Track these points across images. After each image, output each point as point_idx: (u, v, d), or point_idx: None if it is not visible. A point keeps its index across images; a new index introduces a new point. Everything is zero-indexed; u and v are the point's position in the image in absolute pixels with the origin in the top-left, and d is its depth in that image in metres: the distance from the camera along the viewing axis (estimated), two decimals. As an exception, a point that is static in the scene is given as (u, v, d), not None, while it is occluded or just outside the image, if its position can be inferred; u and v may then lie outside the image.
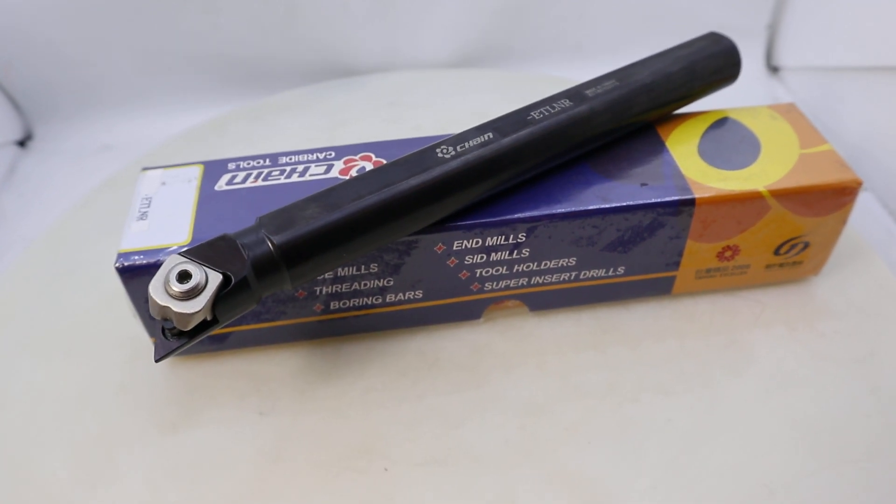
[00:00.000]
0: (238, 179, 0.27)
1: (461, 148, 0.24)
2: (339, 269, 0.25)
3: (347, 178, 0.26)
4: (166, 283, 0.20)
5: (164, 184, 0.27)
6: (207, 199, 0.26)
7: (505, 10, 0.45)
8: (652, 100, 0.27)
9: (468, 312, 0.28)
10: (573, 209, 0.25)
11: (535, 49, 0.46)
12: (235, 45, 0.44)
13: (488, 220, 0.25)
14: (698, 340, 0.28)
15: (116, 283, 0.29)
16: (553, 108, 0.25)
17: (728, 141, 0.28)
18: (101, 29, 0.42)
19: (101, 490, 0.24)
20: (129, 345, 0.28)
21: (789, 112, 0.29)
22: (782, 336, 0.28)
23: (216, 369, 0.27)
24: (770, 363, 0.27)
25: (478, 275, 0.27)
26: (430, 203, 0.23)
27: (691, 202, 0.25)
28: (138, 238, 0.25)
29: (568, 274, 0.27)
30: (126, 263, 0.24)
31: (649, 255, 0.27)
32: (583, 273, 0.27)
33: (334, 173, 0.27)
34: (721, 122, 0.29)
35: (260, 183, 0.27)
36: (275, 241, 0.21)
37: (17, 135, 0.45)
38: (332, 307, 0.27)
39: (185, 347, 0.21)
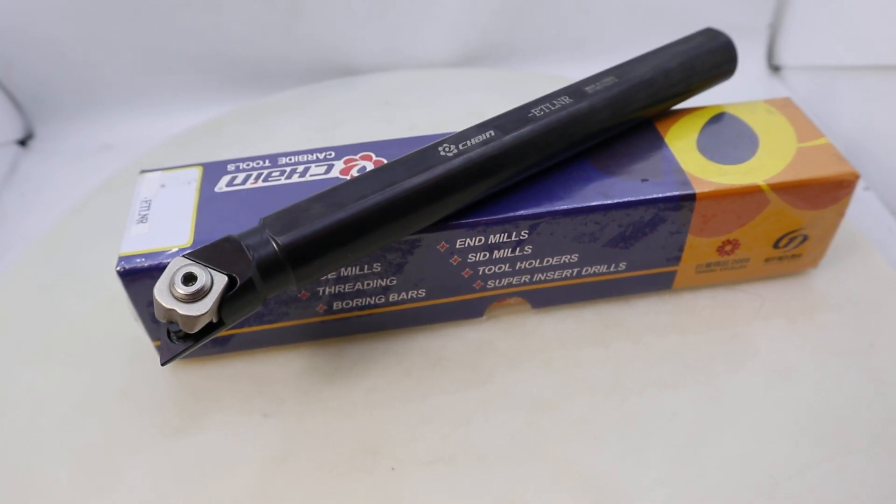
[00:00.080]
0: (238, 181, 0.27)
1: (463, 146, 0.24)
2: (342, 269, 0.25)
3: (348, 177, 0.26)
4: (171, 285, 0.20)
5: (163, 186, 0.27)
6: (208, 200, 0.26)
7: (506, 9, 0.45)
8: (651, 96, 0.27)
9: (471, 311, 0.28)
10: (575, 206, 0.25)
11: (536, 48, 0.46)
12: (236, 45, 0.44)
13: (491, 217, 0.25)
14: (700, 334, 0.28)
15: (115, 286, 0.29)
16: (553, 105, 0.26)
17: (726, 136, 0.28)
18: (103, 28, 0.42)
19: (105, 496, 0.24)
20: (130, 348, 0.28)
21: (786, 106, 0.29)
22: (783, 328, 0.28)
23: (219, 372, 0.27)
24: (771, 355, 0.27)
25: (480, 273, 0.27)
26: (434, 201, 0.23)
27: (692, 197, 0.26)
28: (139, 241, 0.24)
29: (570, 270, 0.27)
30: (127, 267, 0.24)
31: (650, 250, 0.27)
32: (585, 269, 0.27)
33: (335, 173, 0.27)
34: (719, 118, 0.29)
35: (260, 184, 0.26)
36: (279, 242, 0.21)
37: (18, 134, 0.45)
38: (335, 307, 0.26)
39: (190, 350, 0.21)
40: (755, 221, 0.27)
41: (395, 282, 0.26)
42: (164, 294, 0.20)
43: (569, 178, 0.26)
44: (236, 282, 0.20)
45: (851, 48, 0.39)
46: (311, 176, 0.27)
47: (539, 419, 0.25)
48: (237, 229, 0.22)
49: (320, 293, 0.26)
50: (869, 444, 0.24)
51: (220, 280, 0.20)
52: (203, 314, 0.19)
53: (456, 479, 0.24)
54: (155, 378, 0.27)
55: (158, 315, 0.20)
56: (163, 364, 0.20)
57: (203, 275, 0.20)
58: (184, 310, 0.19)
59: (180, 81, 0.45)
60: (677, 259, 0.28)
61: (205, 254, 0.21)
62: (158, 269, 0.24)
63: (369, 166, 0.27)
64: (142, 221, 0.25)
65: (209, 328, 0.20)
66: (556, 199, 0.25)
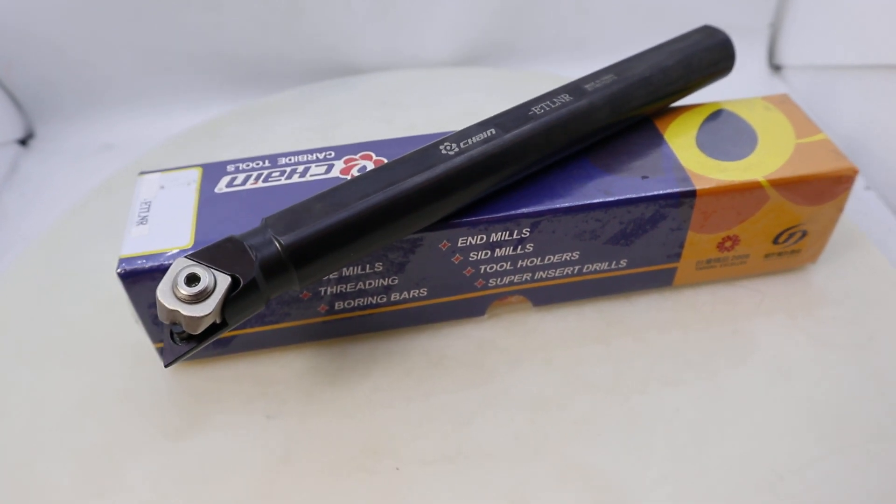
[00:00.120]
0: (238, 181, 0.27)
1: (464, 144, 0.24)
2: (344, 269, 0.25)
3: (349, 177, 0.26)
4: (174, 286, 0.20)
5: (162, 188, 0.26)
6: (208, 201, 0.26)
7: (506, 9, 0.45)
8: (650, 93, 0.27)
9: (472, 309, 0.28)
10: (577, 203, 0.25)
11: (537, 47, 0.46)
12: (237, 45, 0.44)
13: (493, 216, 0.25)
14: (701, 330, 0.28)
15: (113, 289, 0.29)
16: (553, 103, 0.26)
17: (725, 132, 0.28)
18: (103, 28, 0.42)
19: (106, 498, 0.24)
20: (131, 351, 0.28)
21: (783, 103, 0.30)
22: (783, 324, 0.28)
23: (221, 373, 0.27)
24: (772, 351, 0.27)
25: (482, 271, 0.27)
26: (437, 200, 0.23)
27: (692, 193, 0.26)
28: (139, 243, 0.24)
29: (571, 268, 0.27)
30: (128, 268, 0.24)
31: (651, 247, 0.27)
32: (586, 267, 0.27)
33: (335, 173, 0.27)
34: (717, 115, 0.29)
35: (260, 184, 0.26)
36: (282, 242, 0.21)
37: (19, 133, 0.45)
38: (336, 307, 0.26)
39: (194, 351, 0.21)
40: (755, 217, 0.27)
41: (396, 281, 0.26)
42: (167, 295, 0.20)
43: (569, 175, 0.26)
44: (239, 282, 0.20)
45: (852, 48, 0.39)
46: (311, 176, 0.27)
47: (542, 417, 0.25)
48: (238, 230, 0.22)
49: (322, 293, 0.26)
50: (871, 439, 0.24)
51: (224, 281, 0.20)
52: (207, 315, 0.19)
53: (460, 478, 0.24)
54: (156, 380, 0.27)
55: (161, 316, 0.20)
56: (166, 366, 0.20)
57: (206, 275, 0.20)
58: (187, 311, 0.19)
59: (181, 81, 0.45)
60: (678, 256, 0.28)
61: (207, 254, 0.20)
62: (159, 271, 0.24)
63: (369, 166, 0.27)
64: (142, 223, 0.25)
65: (213, 329, 0.20)
66: (558, 196, 0.25)
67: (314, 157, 0.27)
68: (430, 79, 0.44)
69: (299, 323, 0.27)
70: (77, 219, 0.35)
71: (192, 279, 0.20)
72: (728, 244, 0.28)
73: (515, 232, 0.25)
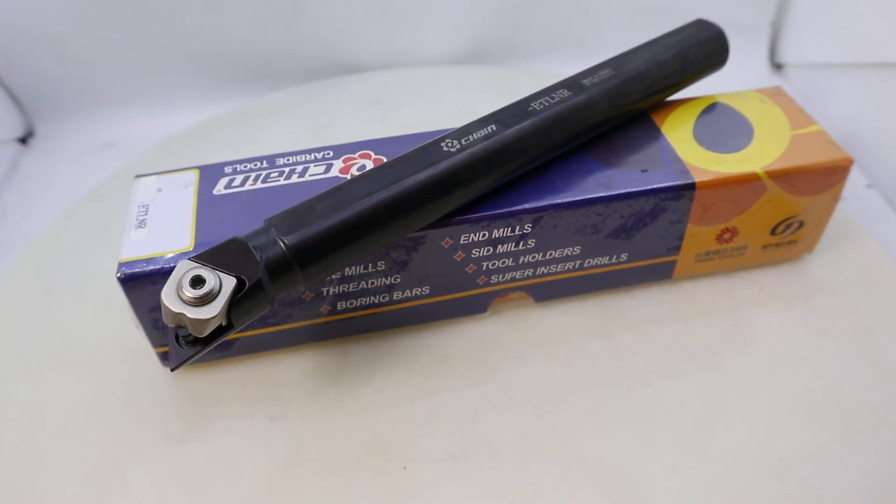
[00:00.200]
0: (236, 182, 0.26)
1: (466, 141, 0.24)
2: (346, 269, 0.25)
3: (348, 176, 0.26)
4: (179, 289, 0.19)
5: (160, 190, 0.26)
6: (207, 203, 0.26)
7: (507, 7, 0.45)
8: (647, 87, 0.27)
9: (474, 306, 0.28)
10: (578, 198, 0.25)
11: (538, 46, 0.46)
12: (238, 43, 0.43)
13: (495, 212, 0.25)
14: (702, 322, 0.28)
15: (110, 293, 0.29)
16: (553, 98, 0.26)
17: (721, 125, 0.28)
18: (104, 26, 0.41)
19: (111, 507, 0.23)
20: (131, 356, 0.27)
21: (777, 95, 0.30)
22: (782, 314, 0.28)
23: (222, 376, 0.27)
24: (772, 341, 0.27)
25: (484, 268, 0.27)
26: (440, 196, 0.23)
27: (692, 186, 0.26)
28: (139, 246, 0.24)
29: (572, 263, 0.27)
30: (128, 272, 0.23)
31: (651, 240, 0.27)
32: (587, 261, 0.27)
33: (334, 172, 0.26)
34: (712, 108, 0.29)
35: (259, 185, 0.26)
36: (287, 242, 0.21)
37: (19, 132, 0.44)
38: (339, 307, 0.26)
39: (200, 354, 0.20)
40: (753, 209, 0.27)
41: (399, 280, 0.26)
42: (171, 298, 0.19)
43: (570, 170, 0.26)
44: (245, 283, 0.20)
45: (853, 46, 0.39)
46: (310, 176, 0.26)
47: (547, 412, 0.25)
48: (239, 231, 0.22)
49: (324, 293, 0.26)
50: (875, 425, 0.25)
51: (229, 282, 0.20)
52: (213, 317, 0.19)
53: (469, 475, 0.24)
54: (157, 385, 0.27)
55: (166, 320, 0.20)
56: (173, 370, 0.20)
57: (211, 277, 0.20)
58: (193, 313, 0.19)
59: (182, 79, 0.44)
60: (677, 248, 0.28)
61: (211, 256, 0.20)
62: (160, 274, 0.23)
63: (369, 164, 0.27)
64: (140, 226, 0.25)
65: (218, 331, 0.20)
66: (559, 191, 0.25)
67: (312, 157, 0.27)
68: (424, 77, 0.43)
69: (301, 324, 0.26)
70: (70, 224, 0.34)
71: (197, 281, 0.19)
72: (727, 236, 0.28)
73: (517, 228, 0.25)
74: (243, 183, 0.26)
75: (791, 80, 0.46)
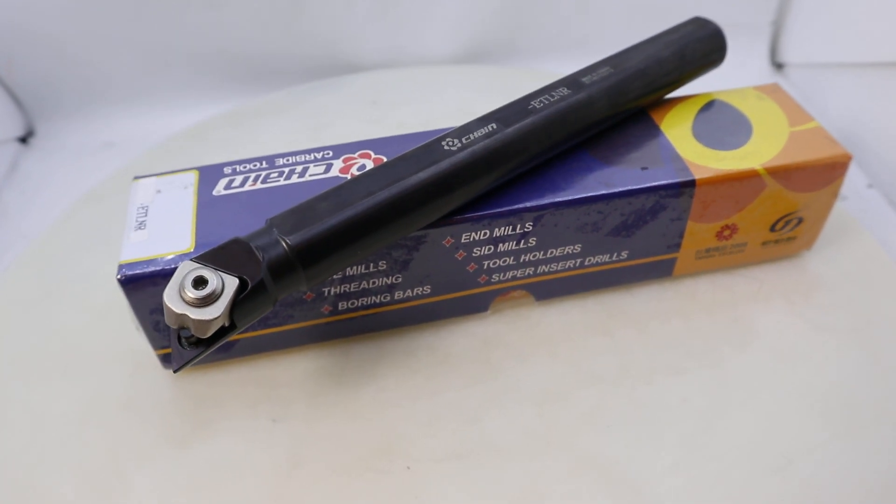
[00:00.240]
0: (236, 183, 0.26)
1: (466, 140, 0.24)
2: (348, 268, 0.25)
3: (348, 176, 0.26)
4: (181, 290, 0.19)
5: (159, 192, 0.26)
6: (206, 204, 0.25)
7: (507, 7, 0.45)
8: (646, 85, 0.27)
9: (476, 305, 0.28)
10: (578, 196, 0.25)
11: (538, 46, 0.47)
12: (238, 43, 0.43)
13: (496, 210, 0.25)
14: (702, 319, 0.28)
15: (109, 296, 0.29)
16: (552, 96, 0.26)
17: (720, 122, 0.28)
18: (104, 25, 0.41)
19: (114, 510, 0.23)
20: (131, 358, 0.27)
21: (775, 92, 0.30)
22: (782, 310, 0.28)
23: (223, 378, 0.27)
24: (773, 337, 0.28)
25: (485, 266, 0.27)
26: (442, 195, 0.23)
27: (692, 183, 0.26)
28: (139, 248, 0.24)
29: (573, 261, 0.27)
30: (129, 274, 0.23)
31: (652, 237, 0.27)
32: (587, 259, 0.27)
33: (334, 172, 0.26)
34: (710, 105, 0.29)
35: (259, 186, 0.26)
36: (289, 242, 0.21)
37: (19, 131, 0.44)
38: (340, 308, 0.26)
39: (203, 355, 0.20)
40: (752, 205, 0.27)
41: (400, 279, 0.26)
42: (174, 299, 0.19)
43: (570, 169, 0.26)
44: (247, 284, 0.20)
45: (854, 45, 0.39)
46: (310, 176, 0.26)
47: (550, 411, 0.25)
48: (239, 232, 0.22)
49: (325, 294, 0.26)
50: (876, 421, 0.25)
51: (232, 283, 0.20)
52: (216, 318, 0.19)
53: (473, 474, 0.24)
54: (158, 387, 0.26)
55: (169, 321, 0.19)
56: (175, 371, 0.20)
57: (214, 278, 0.19)
58: (196, 314, 0.19)
59: (183, 78, 0.44)
60: (677, 246, 0.28)
61: (213, 257, 0.20)
62: (161, 276, 0.23)
63: (368, 164, 0.27)
64: (140, 228, 0.25)
65: (221, 332, 0.20)
66: (560, 190, 0.25)
67: (312, 157, 0.27)
68: (424, 77, 0.43)
69: (303, 324, 0.26)
70: (70, 224, 0.34)
71: (199, 282, 0.19)
72: (727, 233, 0.28)
73: (519, 226, 0.25)
74: (243, 183, 0.26)
75: (792, 80, 0.46)
